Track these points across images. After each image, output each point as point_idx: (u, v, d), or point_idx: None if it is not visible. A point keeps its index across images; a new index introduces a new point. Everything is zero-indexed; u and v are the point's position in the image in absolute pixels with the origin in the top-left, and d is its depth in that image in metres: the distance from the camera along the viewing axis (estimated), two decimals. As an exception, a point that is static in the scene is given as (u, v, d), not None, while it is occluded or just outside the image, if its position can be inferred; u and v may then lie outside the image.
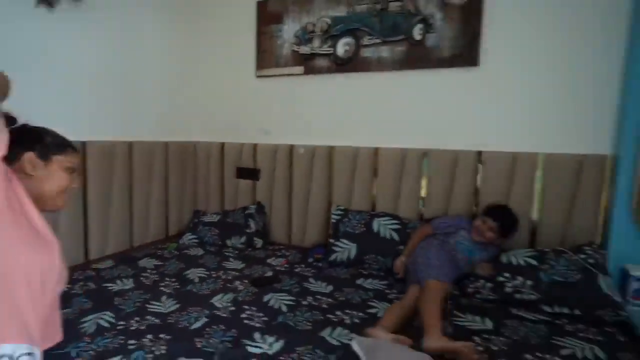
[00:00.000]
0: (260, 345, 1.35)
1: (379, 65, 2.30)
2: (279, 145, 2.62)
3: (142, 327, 1.46)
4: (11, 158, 0.87)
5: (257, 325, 1.51)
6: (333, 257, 2.22)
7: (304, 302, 1.72)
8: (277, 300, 1.73)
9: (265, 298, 1.75)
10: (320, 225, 2.51)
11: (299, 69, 2.53)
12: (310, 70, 2.51)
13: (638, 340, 1.47)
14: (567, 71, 1.95)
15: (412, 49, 2.21)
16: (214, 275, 2.03)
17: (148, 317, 1.55)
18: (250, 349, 1.33)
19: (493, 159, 2.09)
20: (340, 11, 2.37)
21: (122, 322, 1.50)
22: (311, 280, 1.99)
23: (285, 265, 2.21)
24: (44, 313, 0.86)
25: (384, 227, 2.19)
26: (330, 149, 2.47)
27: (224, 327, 1.47)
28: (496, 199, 2.04)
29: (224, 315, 1.58)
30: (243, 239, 2.54)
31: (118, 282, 1.90)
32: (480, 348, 1.36)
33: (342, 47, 2.38)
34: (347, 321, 1.56)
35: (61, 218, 2.03)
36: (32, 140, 0.95)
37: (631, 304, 1.71)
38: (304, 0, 2.47)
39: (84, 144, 2.13)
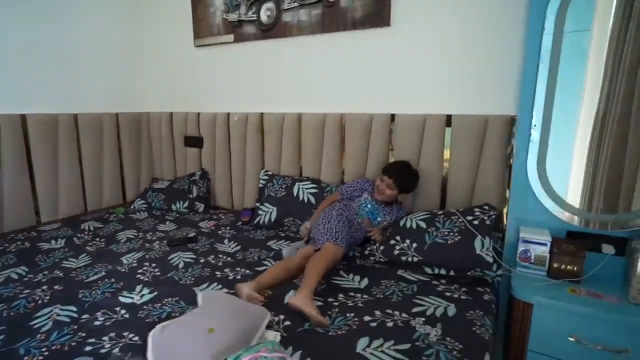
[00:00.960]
0: (132, 296, 1.51)
1: (299, 29, 2.29)
2: (217, 114, 2.70)
3: (44, 280, 1.66)
4: None
5: (145, 279, 1.67)
6: (257, 220, 2.34)
7: (202, 260, 1.86)
8: (180, 258, 1.88)
9: (171, 256, 1.90)
10: (255, 190, 2.62)
11: (230, 37, 2.55)
12: (239, 38, 2.52)
13: (510, 300, 1.51)
14: (476, 32, 1.86)
15: (327, 11, 2.17)
16: (140, 237, 2.21)
17: (56, 271, 1.75)
18: (122, 299, 1.49)
19: (405, 121, 2.07)
20: (261, -25, 2.34)
21: (30, 275, 1.71)
22: (225, 241, 2.12)
23: (212, 228, 2.36)
24: None
25: (302, 191, 2.27)
26: (261, 116, 2.53)
27: (113, 280, 1.64)
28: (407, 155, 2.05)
29: (122, 270, 1.75)
30: (186, 204, 2.71)
31: (52, 241, 2.12)
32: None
33: (265, 12, 2.37)
34: (230, 277, 1.69)
35: (5, 182, 2.26)
36: None
37: (519, 265, 1.72)
38: (229, -35, 2.45)
39: (23, 116, 2.31)
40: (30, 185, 2.40)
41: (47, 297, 1.50)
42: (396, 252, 1.77)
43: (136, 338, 1.23)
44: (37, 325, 1.31)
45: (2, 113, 2.22)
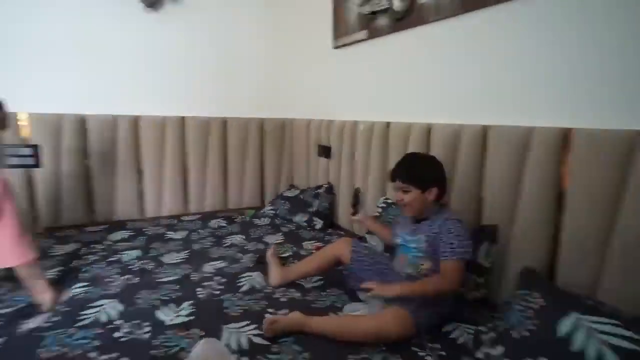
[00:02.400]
0: (169, 315, 1.38)
1: (438, 11, 1.71)
2: (346, 122, 2.39)
3: (135, 266, 1.76)
4: None
5: (200, 296, 1.52)
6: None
7: (267, 290, 1.59)
8: (249, 281, 1.66)
9: (244, 275, 1.70)
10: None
11: (363, 33, 2.20)
12: (372, 33, 2.13)
13: None
14: None
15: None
16: (241, 245, 2.14)
17: (144, 261, 1.84)
18: (158, 314, 1.38)
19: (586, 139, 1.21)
20: (399, -49, 1.87)
21: (136, 258, 1.88)
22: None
23: (313, 251, 2.06)
24: None
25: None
26: (387, 125, 2.06)
27: (176, 288, 1.57)
28: (593, 197, 1.20)
29: (193, 279, 1.68)
30: (306, 217, 2.52)
31: (179, 232, 2.31)
32: None
33: (399, -3, 1.89)
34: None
35: (166, 175, 2.62)
36: None
37: None
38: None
39: (183, 119, 2.64)
40: (183, 180, 2.73)
41: (118, 289, 1.55)
42: None
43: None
44: (83, 317, 1.33)
45: (169, 115, 2.59)
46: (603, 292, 1.16)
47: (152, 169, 2.59)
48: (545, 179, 1.32)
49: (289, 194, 2.81)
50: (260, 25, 2.89)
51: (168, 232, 2.30)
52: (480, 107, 1.60)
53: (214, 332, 1.26)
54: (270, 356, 1.16)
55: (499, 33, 1.50)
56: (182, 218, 2.61)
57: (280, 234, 2.35)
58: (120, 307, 1.41)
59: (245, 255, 1.97)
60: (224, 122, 2.79)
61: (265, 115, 2.96)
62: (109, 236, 2.20)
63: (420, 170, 1.40)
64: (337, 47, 2.49)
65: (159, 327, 1.30)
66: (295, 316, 1.30)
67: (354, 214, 1.75)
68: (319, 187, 2.63)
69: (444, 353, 1.19)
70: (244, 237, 2.26)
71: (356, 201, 1.73)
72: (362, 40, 2.22)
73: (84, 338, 1.22)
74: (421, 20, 1.81)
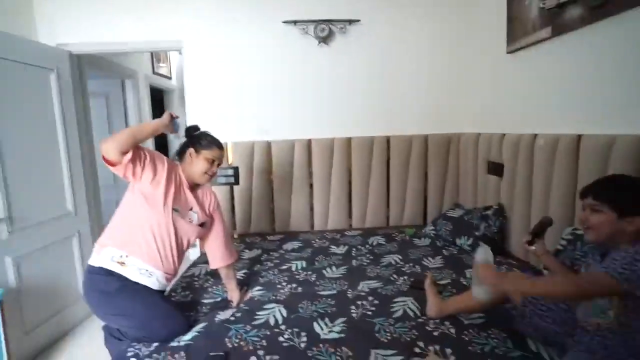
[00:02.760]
0: (322, 327, 1.48)
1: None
2: (522, 136, 2.07)
3: (300, 277, 1.96)
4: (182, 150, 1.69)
5: (353, 314, 1.57)
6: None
7: (420, 320, 1.51)
8: (404, 307, 1.62)
9: (399, 299, 1.68)
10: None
11: (546, 32, 1.86)
12: (558, 29, 1.78)
13: None
14: None
15: None
16: (399, 265, 2.12)
17: (308, 272, 2.02)
18: (315, 326, 1.49)
19: None
20: None
21: (302, 268, 2.09)
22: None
23: (476, 281, 1.85)
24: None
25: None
26: (577, 139, 1.68)
27: (332, 303, 1.67)
28: None
29: (349, 295, 1.75)
30: (470, 241, 2.30)
31: (340, 247, 2.46)
32: None
33: (595, -21, 1.52)
34: None
35: (332, 191, 2.85)
36: (194, 140, 1.69)
37: None
38: None
39: (349, 139, 2.82)
40: (348, 196, 2.90)
41: (285, 296, 1.76)
42: None
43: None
44: (257, 317, 1.57)
45: (335, 137, 2.81)
46: None
47: (321, 187, 2.86)
48: None
49: (452, 213, 2.62)
50: (420, 43, 2.82)
51: (331, 246, 2.48)
52: None
53: (362, 354, 1.28)
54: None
55: None
56: (345, 233, 2.77)
57: (440, 257, 2.21)
58: (285, 312, 1.60)
59: (400, 277, 1.93)
60: (387, 140, 2.84)
61: (429, 131, 2.86)
62: (284, 245, 2.53)
63: (619, 189, 1.12)
64: (511, 52, 2.19)
65: (314, 338, 1.40)
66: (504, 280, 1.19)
67: (530, 243, 1.48)
68: (488, 207, 2.36)
69: None
70: (400, 258, 2.22)
71: (541, 231, 1.46)
72: (544, 39, 1.89)
73: (256, 336, 1.43)
74: (626, 4, 1.41)
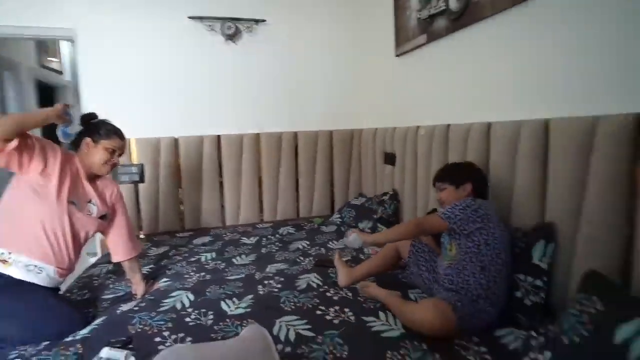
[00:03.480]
0: (229, 305, 1.53)
1: (494, 5, 1.64)
2: (409, 128, 2.38)
3: (209, 266, 1.98)
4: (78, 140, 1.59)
5: (260, 293, 1.65)
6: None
7: (321, 289, 1.66)
8: (307, 281, 1.75)
9: (303, 276, 1.80)
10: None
11: (423, 38, 2.19)
12: (431, 36, 2.12)
13: None
14: None
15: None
16: (304, 249, 2.26)
17: (218, 262, 2.05)
18: (222, 305, 1.54)
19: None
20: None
21: (211, 259, 2.10)
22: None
23: (372, 254, 2.08)
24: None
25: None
26: (447, 128, 2.00)
27: (240, 285, 1.73)
28: None
29: (256, 277, 1.82)
30: (370, 224, 2.54)
31: (251, 238, 2.52)
32: None
33: (453, -5, 1.86)
34: (329, 318, 1.41)
35: (243, 187, 2.90)
36: (91, 129, 1.60)
37: None
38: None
39: (258, 135, 2.90)
40: (259, 191, 2.97)
41: (192, 283, 1.77)
42: None
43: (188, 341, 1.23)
44: (163, 304, 1.56)
45: (245, 133, 2.87)
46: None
47: (231, 183, 2.89)
48: (613, 173, 1.17)
49: (355, 202, 2.86)
50: (324, 45, 3.05)
51: (242, 238, 2.53)
52: (542, 100, 1.48)
53: (267, 323, 1.36)
54: (313, 346, 1.22)
55: (556, 18, 1.39)
56: (257, 226, 2.83)
57: (342, 240, 2.40)
58: (192, 297, 1.61)
59: (306, 259, 2.07)
60: (295, 136, 2.99)
61: (333, 127, 3.09)
62: (194, 241, 2.51)
63: (452, 170, 1.56)
64: (399, 55, 2.51)
65: (221, 315, 1.45)
66: (382, 293, 1.49)
67: None
68: (384, 194, 2.64)
69: (489, 357, 1.12)
70: (308, 243, 2.37)
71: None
72: (422, 45, 2.22)
73: (162, 320, 1.42)
74: (477, 17, 1.75)
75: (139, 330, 1.36)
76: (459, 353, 1.16)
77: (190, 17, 2.71)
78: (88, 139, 1.58)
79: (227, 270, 1.96)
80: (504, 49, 1.66)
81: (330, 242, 2.37)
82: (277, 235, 2.56)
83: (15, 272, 1.38)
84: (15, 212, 1.42)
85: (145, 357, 1.16)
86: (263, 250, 2.27)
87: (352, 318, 1.40)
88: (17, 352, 1.27)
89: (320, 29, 3.02)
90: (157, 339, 1.30)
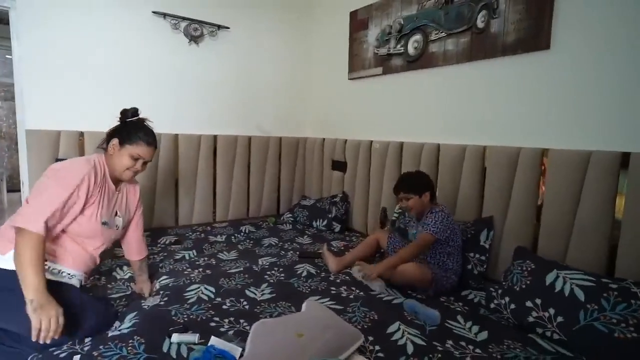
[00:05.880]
0: (255, 292, 1.74)
1: (445, 59, 2.24)
2: (362, 141, 2.86)
3: (202, 263, 2.08)
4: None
5: (270, 280, 1.88)
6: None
7: (322, 275, 1.98)
8: (305, 269, 2.05)
9: (298, 266, 2.09)
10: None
11: (379, 70, 2.70)
12: (387, 70, 2.65)
13: None
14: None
15: (476, 39, 2.07)
16: (279, 245, 2.51)
17: (212, 259, 2.16)
18: (247, 293, 1.73)
19: (562, 157, 1.75)
20: (412, 10, 2.42)
21: (195, 258, 2.17)
22: (348, 261, 2.20)
23: (341, 248, 2.47)
24: None
25: (432, 224, 2.16)
26: (401, 145, 2.55)
27: (246, 276, 1.92)
28: (561, 200, 1.74)
29: (255, 269, 2.03)
30: (324, 223, 2.93)
31: (218, 236, 2.62)
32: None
33: (412, 44, 2.42)
34: (343, 295, 1.75)
35: (198, 187, 2.94)
36: (122, 130, 1.55)
37: None
38: (384, 5, 2.62)
39: (215, 137, 2.99)
40: (213, 191, 3.05)
41: (199, 278, 1.87)
42: (530, 319, 1.47)
43: (248, 327, 1.41)
44: (187, 297, 1.65)
45: (202, 134, 2.93)
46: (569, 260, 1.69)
47: (186, 182, 2.90)
48: (528, 185, 1.86)
49: (305, 202, 3.21)
50: (280, 57, 3.32)
51: (209, 236, 2.61)
52: (480, 129, 2.13)
53: (299, 303, 1.63)
54: (348, 315, 1.55)
55: (490, 80, 2.05)
56: (214, 225, 2.92)
57: (307, 235, 2.74)
58: (212, 289, 1.74)
59: (287, 252, 2.34)
60: (249, 140, 3.17)
61: (282, 134, 3.37)
62: (159, 240, 2.48)
63: (414, 181, 1.94)
64: (352, 79, 2.98)
65: (253, 301, 1.65)
66: (376, 268, 1.84)
67: (382, 226, 2.24)
68: (334, 196, 3.06)
69: (466, 307, 1.67)
70: (277, 240, 2.62)
71: (384, 218, 2.24)
72: (376, 75, 2.73)
73: (200, 310, 1.54)
74: (431, 64, 2.33)
75: (186, 319, 1.47)
76: (447, 307, 1.67)
77: (154, 12, 2.65)
78: (115, 141, 1.52)
79: (221, 265, 2.09)
80: (450, 89, 2.27)
81: (297, 238, 2.67)
82: (242, 234, 2.73)
83: (49, 276, 1.33)
84: (52, 231, 1.35)
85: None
86: (240, 247, 2.43)
87: (362, 293, 1.78)
88: (67, 349, 1.25)
89: (278, 42, 3.28)
90: (212, 324, 1.44)
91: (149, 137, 1.56)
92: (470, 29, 2.09)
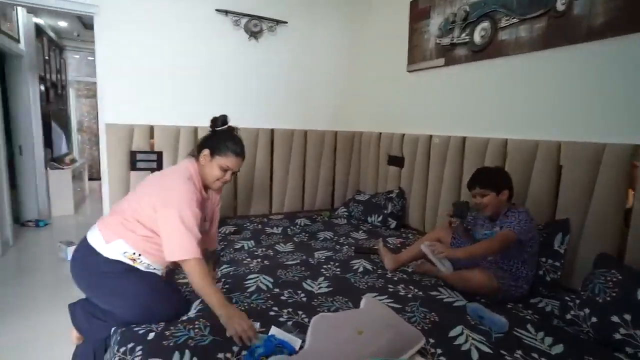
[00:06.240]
0: (313, 285, 1.75)
1: (516, 47, 2.08)
2: (420, 136, 2.76)
3: (260, 254, 2.14)
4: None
5: (327, 274, 1.89)
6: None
7: (379, 272, 1.95)
8: (361, 264, 2.03)
9: (354, 261, 2.08)
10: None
11: (440, 61, 2.58)
12: (450, 61, 2.51)
13: None
14: None
15: (553, 23, 1.89)
16: (334, 239, 2.51)
17: (269, 250, 2.21)
18: (305, 285, 1.74)
19: None
20: (480, -4, 2.26)
21: (254, 249, 2.24)
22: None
23: (397, 245, 2.41)
24: None
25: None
26: (463, 140, 2.42)
27: (303, 269, 1.94)
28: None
29: (312, 262, 2.05)
30: (380, 218, 2.88)
31: (274, 228, 2.69)
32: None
33: (479, 33, 2.27)
34: (401, 293, 1.70)
35: (256, 180, 3.03)
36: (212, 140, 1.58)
37: None
38: (448, -9, 2.49)
39: (272, 130, 3.05)
40: (269, 184, 3.12)
41: (258, 268, 1.93)
42: (617, 336, 1.31)
43: (306, 319, 1.42)
44: (247, 285, 1.71)
45: (260, 127, 3.00)
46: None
47: (244, 174, 2.99)
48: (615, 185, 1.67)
49: (360, 197, 3.18)
50: (337, 51, 3.30)
51: (265, 228, 2.68)
52: (555, 124, 1.94)
53: (357, 299, 1.61)
54: (406, 315, 1.51)
55: (570, 68, 1.86)
56: (270, 217, 2.99)
57: (362, 231, 2.70)
58: (270, 279, 1.78)
59: (342, 247, 2.33)
60: (305, 134, 3.19)
61: (338, 128, 3.36)
62: (219, 230, 2.58)
63: (494, 177, 1.78)
64: (411, 71, 2.87)
65: (311, 294, 1.66)
66: (434, 269, 1.83)
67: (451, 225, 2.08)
68: (390, 192, 3.00)
69: (537, 316, 1.55)
70: (332, 234, 2.62)
71: (461, 212, 1.89)
72: (438, 66, 2.60)
73: (259, 299, 1.58)
74: (499, 53, 2.17)
75: (247, 307, 1.51)
76: (515, 314, 1.55)
77: (217, 10, 2.75)
78: (206, 151, 1.54)
79: (278, 257, 2.13)
80: (521, 79, 2.10)
81: (352, 233, 2.65)
82: (297, 226, 2.76)
83: (139, 266, 1.45)
84: (152, 234, 1.44)
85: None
86: (296, 239, 2.47)
87: (420, 293, 1.72)
88: (143, 328, 1.35)
89: (334, 35, 3.26)
90: (272, 313, 1.47)
91: (237, 148, 1.57)
92: (547, 13, 1.90)
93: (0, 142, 3.39)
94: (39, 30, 4.61)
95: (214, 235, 1.85)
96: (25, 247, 3.40)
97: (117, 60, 2.54)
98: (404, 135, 2.95)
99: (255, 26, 2.86)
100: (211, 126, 1.61)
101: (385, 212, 2.87)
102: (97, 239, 1.42)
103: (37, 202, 4.26)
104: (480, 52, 2.28)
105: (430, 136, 2.68)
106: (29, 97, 4.10)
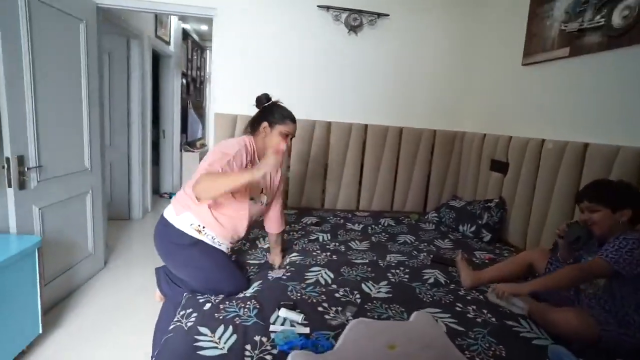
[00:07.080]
0: (371, 288, 1.67)
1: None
2: (530, 139, 2.37)
3: (331, 248, 2.14)
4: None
5: (392, 280, 1.78)
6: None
7: (451, 287, 1.75)
8: (433, 276, 1.86)
9: (426, 271, 1.91)
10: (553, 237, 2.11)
11: (564, 51, 2.15)
12: (576, 51, 2.08)
13: None
14: None
15: None
16: (414, 244, 2.35)
17: (341, 246, 2.20)
18: (363, 286, 1.68)
19: None
20: (625, -33, 1.80)
21: (328, 240, 2.25)
22: (488, 278, 1.87)
23: (486, 261, 2.14)
24: None
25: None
26: (584, 146, 1.99)
27: (369, 269, 1.87)
28: None
29: (381, 265, 1.96)
30: (473, 229, 2.59)
31: (356, 225, 2.66)
32: None
33: (620, 13, 1.81)
34: (469, 315, 1.51)
35: (345, 174, 3.04)
36: (266, 113, 1.72)
37: None
38: (583, -34, 2.05)
39: (365, 126, 3.01)
40: (359, 180, 3.09)
41: (324, 261, 1.93)
42: None
43: (351, 319, 1.37)
44: (307, 277, 1.73)
45: (353, 122, 2.99)
46: None
47: (334, 168, 3.03)
48: None
49: (454, 203, 2.91)
50: (440, 45, 3.06)
51: (347, 223, 2.67)
52: None
53: (411, 311, 1.48)
54: (468, 340, 1.32)
55: None
56: (355, 213, 2.97)
57: (448, 240, 2.47)
58: (331, 274, 1.77)
59: (420, 254, 2.16)
60: (400, 131, 3.06)
61: (437, 127, 3.12)
62: (302, 219, 2.68)
63: (610, 190, 1.44)
64: (527, 64, 2.48)
65: (366, 295, 1.60)
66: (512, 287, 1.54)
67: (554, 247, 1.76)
68: (489, 200, 2.66)
69: None
70: (414, 238, 2.46)
71: (579, 240, 1.51)
72: (561, 57, 2.18)
73: (314, 292, 1.59)
74: (644, 39, 1.71)
75: (298, 297, 1.53)
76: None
77: (319, 6, 2.82)
78: (265, 123, 1.67)
79: (349, 253, 2.10)
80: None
81: (436, 240, 2.44)
82: (380, 226, 2.68)
83: (205, 239, 1.61)
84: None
85: (312, 323, 1.34)
86: (373, 239, 2.40)
87: (493, 320, 1.48)
88: (204, 298, 1.49)
89: (438, 28, 3.03)
90: (320, 309, 1.46)
91: (291, 115, 1.72)
92: None
93: (148, 126, 4.14)
94: (185, 34, 5.44)
95: (277, 217, 1.90)
96: (159, 214, 4.10)
97: (227, 56, 2.82)
98: (510, 138, 2.57)
99: (355, 20, 2.84)
100: (257, 105, 1.74)
101: (480, 222, 2.56)
102: (169, 211, 1.63)
103: (172, 177, 5.07)
104: (620, 38, 1.83)
105: (543, 140, 2.27)
106: (172, 89, 4.89)
